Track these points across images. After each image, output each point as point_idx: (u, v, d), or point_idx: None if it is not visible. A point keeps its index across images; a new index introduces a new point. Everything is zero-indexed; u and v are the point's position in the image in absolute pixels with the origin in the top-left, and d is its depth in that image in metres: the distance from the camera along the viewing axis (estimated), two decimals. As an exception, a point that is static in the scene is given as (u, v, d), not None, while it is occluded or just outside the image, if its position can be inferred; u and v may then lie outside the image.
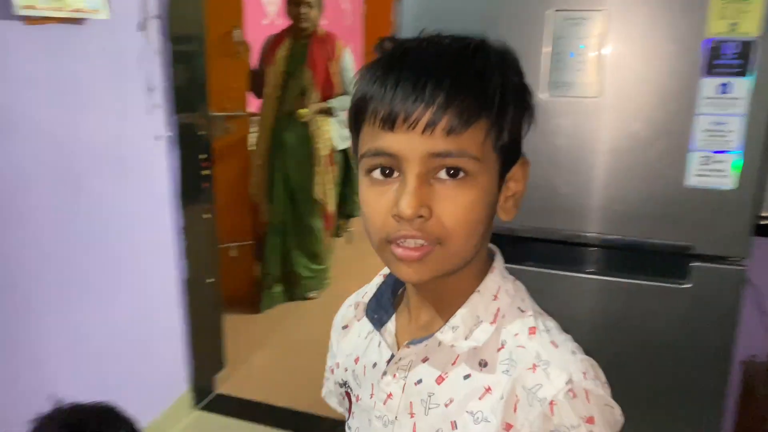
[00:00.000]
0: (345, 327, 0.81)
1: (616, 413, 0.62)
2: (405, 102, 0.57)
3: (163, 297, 2.00)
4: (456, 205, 0.59)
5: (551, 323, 0.66)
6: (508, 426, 0.61)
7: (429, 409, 0.66)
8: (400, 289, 0.75)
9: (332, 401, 0.86)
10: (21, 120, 1.40)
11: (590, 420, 0.59)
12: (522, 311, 0.66)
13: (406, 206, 0.57)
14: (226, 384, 2.31)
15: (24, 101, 1.41)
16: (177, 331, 2.06)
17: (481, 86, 0.59)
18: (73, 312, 1.61)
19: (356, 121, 0.64)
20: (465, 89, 0.58)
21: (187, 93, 1.97)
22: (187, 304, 2.07)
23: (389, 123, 0.58)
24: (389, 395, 0.69)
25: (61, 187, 1.54)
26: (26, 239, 1.46)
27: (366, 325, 0.76)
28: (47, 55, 1.47)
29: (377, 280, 0.77)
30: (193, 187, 2.04)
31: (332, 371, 0.82)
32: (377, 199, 0.61)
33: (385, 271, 0.76)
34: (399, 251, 0.59)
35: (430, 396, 0.67)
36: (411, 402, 0.68)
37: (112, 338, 1.73)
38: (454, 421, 0.64)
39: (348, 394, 0.78)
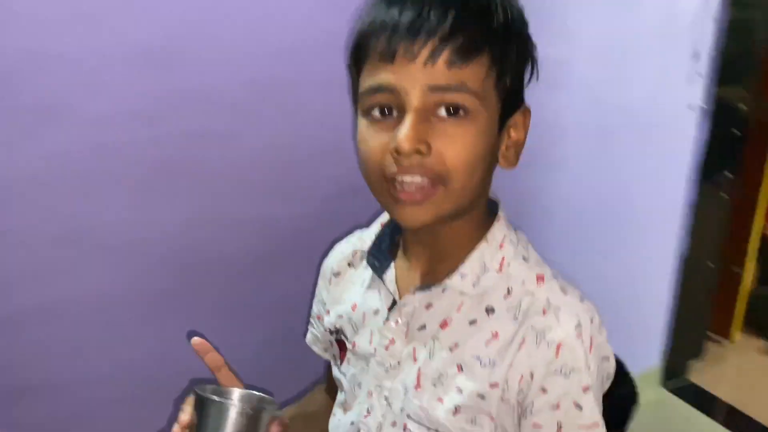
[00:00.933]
0: (337, 274, 0.79)
1: (611, 367, 0.65)
2: (407, 33, 0.56)
3: (656, 267, 1.98)
4: (456, 143, 0.58)
5: (554, 271, 0.67)
6: (511, 365, 0.62)
7: (433, 353, 0.66)
8: (398, 237, 0.73)
9: (316, 347, 0.85)
10: (567, 74, 1.57)
11: (589, 367, 0.61)
12: (525, 260, 0.67)
13: (405, 139, 0.56)
14: (699, 375, 2.17)
15: (575, 56, 1.54)
16: (661, 305, 2.02)
17: (486, 20, 0.58)
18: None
19: (356, 59, 0.62)
20: (469, 21, 0.56)
21: (736, 64, 1.83)
22: (679, 283, 2.00)
23: (389, 55, 0.56)
24: (391, 341, 0.69)
25: (591, 140, 1.68)
26: (563, 181, 1.66)
27: (363, 272, 0.75)
28: (603, 7, 1.55)
29: (375, 228, 0.76)
30: (717, 165, 1.92)
31: (319, 318, 0.82)
32: (375, 137, 0.59)
33: (383, 218, 0.75)
34: (403, 194, 0.58)
35: (434, 341, 0.66)
36: (414, 347, 0.67)
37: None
38: (460, 365, 0.64)
39: (339, 342, 0.77)
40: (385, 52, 0.57)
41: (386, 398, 0.69)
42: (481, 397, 0.63)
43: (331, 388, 0.86)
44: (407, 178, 0.58)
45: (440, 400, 0.65)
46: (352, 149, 0.67)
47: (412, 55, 0.56)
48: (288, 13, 1.14)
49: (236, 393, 0.66)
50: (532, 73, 0.65)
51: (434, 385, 0.66)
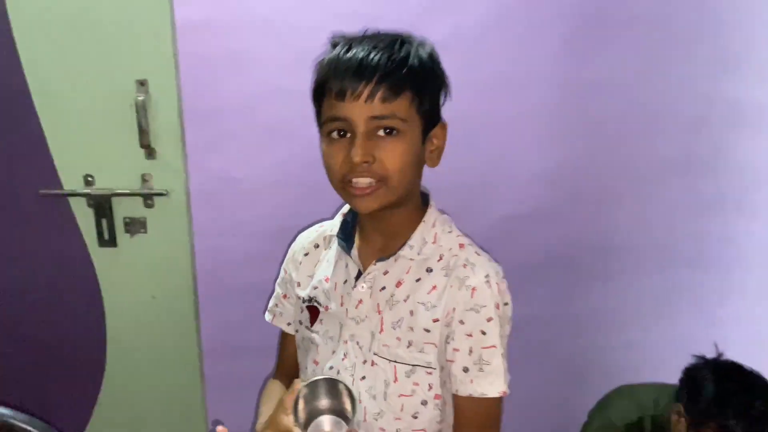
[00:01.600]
0: (306, 254, 1.01)
1: (508, 311, 0.89)
2: (352, 80, 0.79)
3: None
4: (392, 153, 0.81)
5: (470, 241, 0.92)
6: (446, 306, 0.86)
7: (392, 305, 0.90)
8: (355, 224, 0.97)
9: (279, 322, 1.07)
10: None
11: (497, 306, 0.86)
12: (449, 233, 0.92)
13: (356, 155, 0.80)
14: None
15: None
16: None
17: (406, 68, 0.81)
18: None
19: (317, 97, 0.86)
20: (394, 70, 0.80)
21: None
22: None
23: (341, 96, 0.80)
24: (360, 301, 0.91)
25: None
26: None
27: (328, 252, 0.98)
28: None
29: (338, 218, 0.99)
30: None
31: (285, 297, 1.05)
32: (336, 151, 0.83)
33: (344, 210, 0.99)
34: (353, 189, 0.82)
35: (392, 296, 0.90)
36: (378, 303, 0.91)
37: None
38: (411, 311, 0.88)
39: (311, 308, 0.97)
40: (338, 94, 0.81)
41: (357, 343, 0.92)
42: (427, 330, 0.88)
43: (282, 372, 1.10)
44: (360, 181, 0.82)
45: (398, 339, 0.89)
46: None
47: (357, 95, 0.79)
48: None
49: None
50: (445, 96, 0.90)
51: (393, 328, 0.89)
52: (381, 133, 0.81)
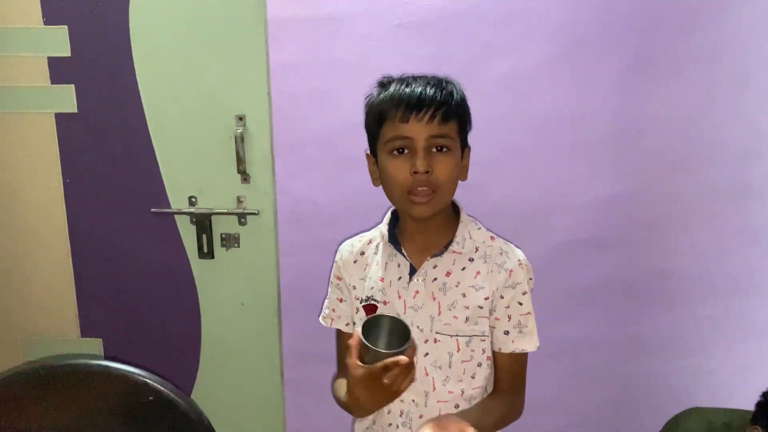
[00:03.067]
0: (355, 261, 1.15)
1: (532, 284, 1.10)
2: (415, 106, 0.98)
3: None
4: (444, 166, 0.99)
5: (495, 234, 1.11)
6: (491, 287, 1.06)
7: (446, 291, 1.07)
8: (395, 230, 1.12)
9: (339, 324, 1.18)
10: None
11: (526, 281, 1.07)
12: (479, 229, 1.11)
13: (420, 165, 0.97)
14: None
15: None
16: None
17: (453, 100, 1.01)
18: None
19: (378, 121, 1.02)
20: (446, 101, 0.99)
21: None
22: None
23: (405, 119, 0.98)
24: (417, 292, 1.07)
25: None
26: None
27: (375, 257, 1.13)
28: None
29: (384, 227, 1.13)
30: None
31: (341, 300, 1.17)
32: (398, 166, 1.00)
33: (387, 219, 1.13)
34: (417, 198, 0.98)
35: (444, 284, 1.07)
36: (432, 292, 1.07)
37: None
38: (464, 293, 1.06)
39: (369, 306, 1.11)
40: (403, 117, 0.98)
41: (418, 327, 1.07)
42: (480, 307, 1.06)
43: (344, 369, 1.12)
44: (422, 190, 0.98)
45: (455, 317, 1.06)
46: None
47: (419, 118, 0.98)
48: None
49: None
50: (469, 126, 1.07)
51: (449, 309, 1.07)
52: (434, 150, 0.99)
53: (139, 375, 0.98)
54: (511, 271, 1.07)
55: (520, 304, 1.07)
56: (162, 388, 0.98)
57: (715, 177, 1.55)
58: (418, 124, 0.98)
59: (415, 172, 0.97)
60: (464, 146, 1.06)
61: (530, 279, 1.10)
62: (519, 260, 1.08)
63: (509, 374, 1.11)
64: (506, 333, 1.08)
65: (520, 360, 1.11)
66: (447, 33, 1.50)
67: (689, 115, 1.52)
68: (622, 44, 1.48)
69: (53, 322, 1.80)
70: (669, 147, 1.54)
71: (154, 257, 1.72)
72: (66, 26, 1.59)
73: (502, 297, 1.07)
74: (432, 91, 0.99)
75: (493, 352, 1.11)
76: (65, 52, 1.60)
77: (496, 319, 1.08)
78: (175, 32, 1.57)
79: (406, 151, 0.99)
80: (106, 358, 1.01)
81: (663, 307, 1.64)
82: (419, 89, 0.99)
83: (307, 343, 1.71)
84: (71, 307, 1.79)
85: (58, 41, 1.59)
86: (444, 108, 0.98)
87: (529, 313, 1.09)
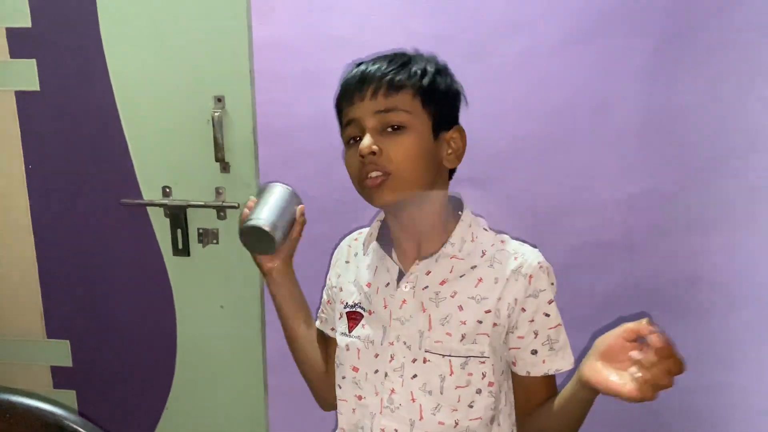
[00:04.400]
0: (347, 262, 1.06)
1: (554, 289, 0.93)
2: (358, 86, 0.88)
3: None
4: (397, 146, 0.85)
5: (508, 236, 0.97)
6: (499, 299, 0.90)
7: (438, 303, 0.91)
8: (387, 230, 1.00)
9: (325, 327, 1.10)
10: None
11: (549, 287, 0.92)
12: (486, 231, 0.97)
13: (363, 146, 0.85)
14: None
15: None
16: None
17: (406, 69, 0.88)
18: None
19: (338, 113, 0.94)
20: (395, 71, 0.87)
21: None
22: None
23: (350, 100, 0.89)
24: (404, 301, 0.93)
25: None
26: None
27: (366, 258, 1.01)
28: None
29: (375, 224, 1.02)
30: None
31: (329, 303, 1.09)
32: (352, 155, 0.88)
33: (381, 216, 1.02)
34: (367, 182, 0.86)
35: (437, 294, 0.92)
36: (422, 302, 0.92)
37: None
38: (461, 305, 0.90)
39: (353, 314, 0.99)
40: (348, 99, 0.89)
41: (405, 343, 0.93)
42: (480, 322, 0.90)
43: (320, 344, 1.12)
44: (371, 174, 0.86)
45: (448, 334, 0.90)
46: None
47: (362, 96, 0.87)
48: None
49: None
50: (459, 100, 0.95)
51: (442, 324, 0.91)
52: (389, 130, 0.86)
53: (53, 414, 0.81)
54: (531, 277, 0.90)
55: (547, 315, 0.91)
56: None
57: (754, 174, 1.37)
58: (362, 102, 0.87)
59: (361, 156, 0.85)
60: (442, 124, 0.91)
61: (552, 284, 0.93)
62: (539, 263, 0.91)
63: (542, 399, 0.95)
64: (534, 353, 0.92)
65: (553, 382, 0.95)
66: (455, 8, 1.32)
67: (726, 104, 1.34)
68: (650, 23, 1.30)
69: (17, 322, 1.65)
70: (703, 140, 1.36)
71: (125, 253, 1.56)
72: (25, -7, 1.42)
73: (523, 309, 0.90)
74: (378, 66, 0.88)
75: (517, 376, 0.95)
76: (25, 22, 1.43)
77: (519, 337, 0.91)
78: (146, 2, 1.39)
79: (360, 138, 0.88)
80: (28, 394, 0.84)
81: (695, 318, 1.47)
82: (367, 67, 0.89)
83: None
84: (36, 305, 1.64)
85: (17, 10, 1.42)
86: (389, 78, 0.86)
87: (558, 324, 0.92)
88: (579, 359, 1.46)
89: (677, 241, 1.43)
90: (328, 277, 1.10)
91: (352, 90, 0.88)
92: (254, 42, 1.38)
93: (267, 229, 0.93)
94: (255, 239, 0.95)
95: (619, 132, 1.36)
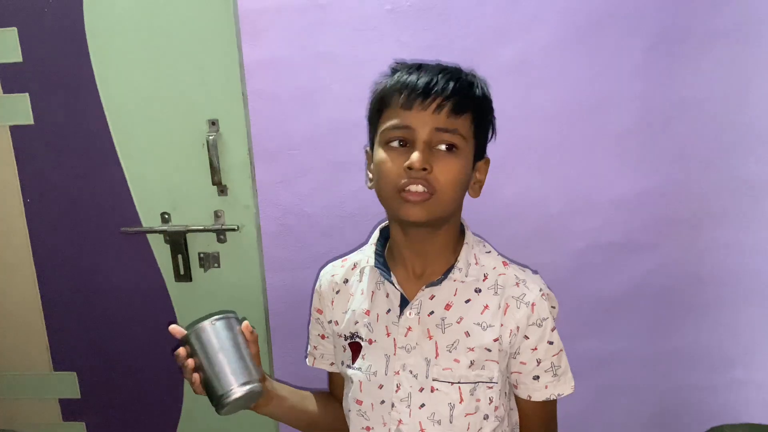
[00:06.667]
0: (338, 292, 0.99)
1: (555, 313, 0.93)
2: (422, 92, 0.81)
3: None
4: (449, 168, 0.82)
5: (508, 259, 0.96)
6: (502, 325, 0.89)
7: (445, 328, 0.89)
8: (385, 252, 0.96)
9: (322, 364, 1.06)
10: None
11: (551, 315, 0.91)
12: (488, 253, 0.95)
13: (417, 160, 0.80)
14: None
15: None
16: None
17: (472, 91, 0.85)
18: None
19: (378, 109, 0.87)
20: (462, 91, 0.83)
21: None
22: None
23: (408, 106, 0.82)
24: (409, 329, 0.90)
25: None
26: None
27: (359, 284, 0.97)
28: None
29: (369, 249, 0.96)
30: None
31: (323, 337, 1.04)
32: (393, 159, 0.83)
33: (373, 240, 0.97)
34: (406, 194, 0.81)
35: (443, 320, 0.89)
36: (428, 329, 0.89)
37: None
38: (467, 331, 0.89)
39: (352, 344, 0.95)
40: (406, 102, 0.82)
41: (411, 372, 0.90)
42: (488, 350, 0.89)
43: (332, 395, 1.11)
44: (413, 187, 0.81)
45: (456, 360, 0.89)
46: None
47: (425, 106, 0.82)
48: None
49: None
50: (492, 134, 0.93)
51: (449, 350, 0.89)
52: (441, 147, 0.83)
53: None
54: (533, 305, 0.90)
55: (550, 343, 0.92)
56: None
57: (756, 169, 1.35)
58: (423, 112, 0.82)
59: (410, 168, 0.80)
60: (480, 153, 0.89)
61: (553, 308, 0.94)
62: (540, 290, 0.92)
63: (542, 420, 0.97)
64: (536, 378, 0.93)
65: (553, 405, 0.98)
66: (446, 17, 1.31)
67: (724, 101, 1.32)
68: (645, 21, 1.29)
69: (23, 356, 1.64)
70: (702, 136, 1.34)
71: (127, 282, 1.55)
72: (15, 28, 1.41)
73: (526, 337, 0.91)
74: (445, 78, 0.83)
75: (517, 398, 0.97)
76: (17, 57, 1.43)
77: (522, 363, 0.92)
78: (136, 30, 1.39)
79: (406, 144, 0.83)
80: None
81: (702, 315, 1.45)
82: (430, 75, 0.83)
83: (300, 373, 1.54)
84: (41, 339, 1.62)
85: (8, 45, 1.42)
86: (456, 98, 0.82)
87: (561, 350, 0.94)
88: (589, 365, 1.45)
89: (680, 238, 1.41)
90: (314, 308, 1.05)
91: (415, 96, 0.82)
92: (245, 63, 1.37)
93: (246, 390, 0.84)
94: (240, 404, 0.88)
95: (616, 132, 1.34)
